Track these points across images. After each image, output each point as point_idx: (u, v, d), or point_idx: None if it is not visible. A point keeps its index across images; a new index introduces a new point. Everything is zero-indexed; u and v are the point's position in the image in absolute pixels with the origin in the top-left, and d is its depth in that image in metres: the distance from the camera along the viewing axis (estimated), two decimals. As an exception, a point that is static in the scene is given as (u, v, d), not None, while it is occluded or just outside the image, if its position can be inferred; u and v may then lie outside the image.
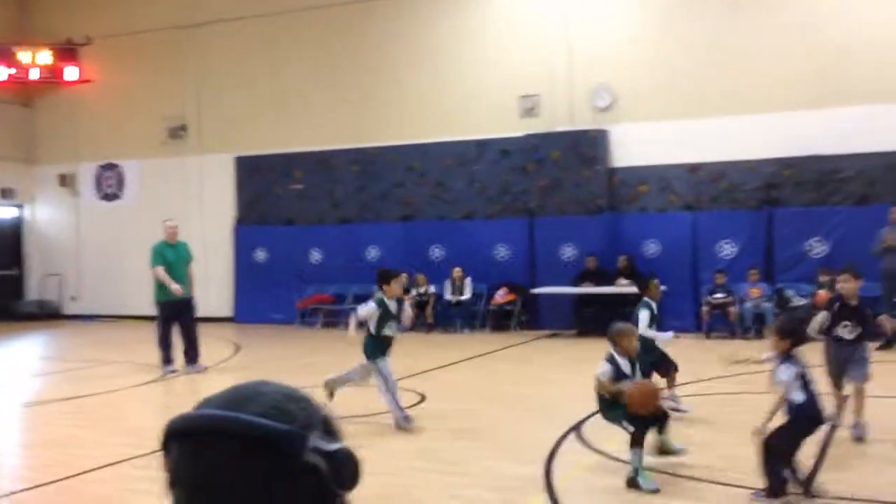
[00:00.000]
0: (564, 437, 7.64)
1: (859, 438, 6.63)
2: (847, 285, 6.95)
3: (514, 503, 5.86)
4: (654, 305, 8.37)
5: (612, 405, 6.20)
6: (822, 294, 13.17)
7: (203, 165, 19.50)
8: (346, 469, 1.13)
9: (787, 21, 14.65)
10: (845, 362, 6.96)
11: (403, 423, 8.07)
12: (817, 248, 14.11)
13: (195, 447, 1.11)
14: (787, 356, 5.69)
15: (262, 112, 18.81)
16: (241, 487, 1.09)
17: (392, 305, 8.28)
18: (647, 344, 7.96)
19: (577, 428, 7.91)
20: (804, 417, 5.61)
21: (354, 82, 18.04)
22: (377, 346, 8.21)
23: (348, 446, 1.15)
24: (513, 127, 16.66)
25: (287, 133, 18.54)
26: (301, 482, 1.09)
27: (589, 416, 8.30)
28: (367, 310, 8.24)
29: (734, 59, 15.00)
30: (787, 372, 5.63)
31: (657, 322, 8.35)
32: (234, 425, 1.10)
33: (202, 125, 19.54)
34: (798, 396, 5.59)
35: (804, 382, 5.63)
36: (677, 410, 7.98)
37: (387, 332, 8.25)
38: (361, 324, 8.36)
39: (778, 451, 5.58)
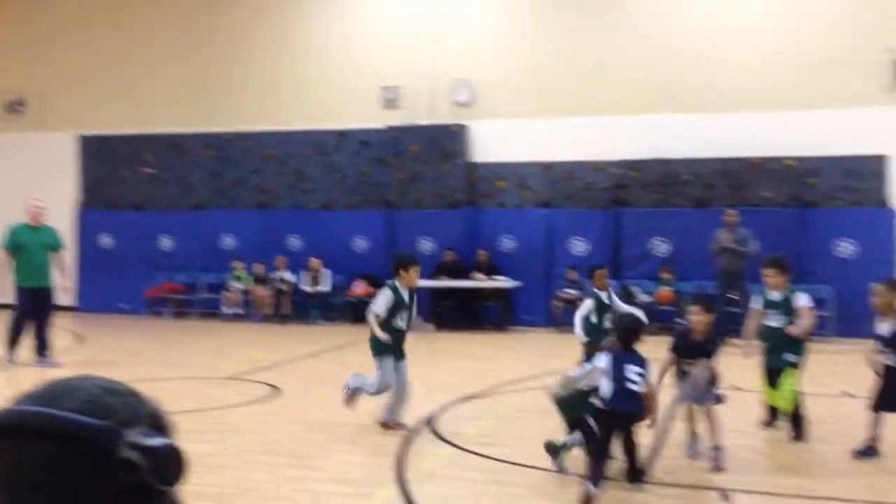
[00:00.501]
0: (418, 428, 7.70)
1: (717, 467, 6.32)
2: (696, 318, 6.67)
3: (366, 496, 5.86)
4: (601, 295, 8.43)
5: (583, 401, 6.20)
6: (664, 291, 13.92)
7: (44, 144, 18.36)
8: (168, 465, 1.11)
9: (639, 30, 15.34)
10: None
11: (391, 424, 7.56)
12: (660, 247, 14.87)
13: (6, 443, 1.09)
14: (622, 351, 6.02)
15: (111, 90, 17.91)
16: (51, 484, 1.07)
17: (405, 294, 7.55)
18: (593, 337, 8.08)
19: (430, 420, 8.00)
20: (605, 411, 5.89)
21: (212, 64, 17.49)
22: (385, 341, 7.45)
23: (173, 442, 1.13)
24: (374, 118, 16.63)
25: (138, 114, 17.74)
26: (116, 479, 1.07)
27: (443, 409, 8.45)
28: (382, 300, 7.47)
29: (589, 63, 15.56)
30: (602, 360, 6.02)
31: (605, 313, 8.30)
32: (43, 421, 1.08)
33: (44, 101, 18.39)
34: (604, 387, 5.88)
35: (617, 377, 5.86)
36: None
37: (398, 323, 7.51)
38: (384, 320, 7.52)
39: (593, 438, 5.89)
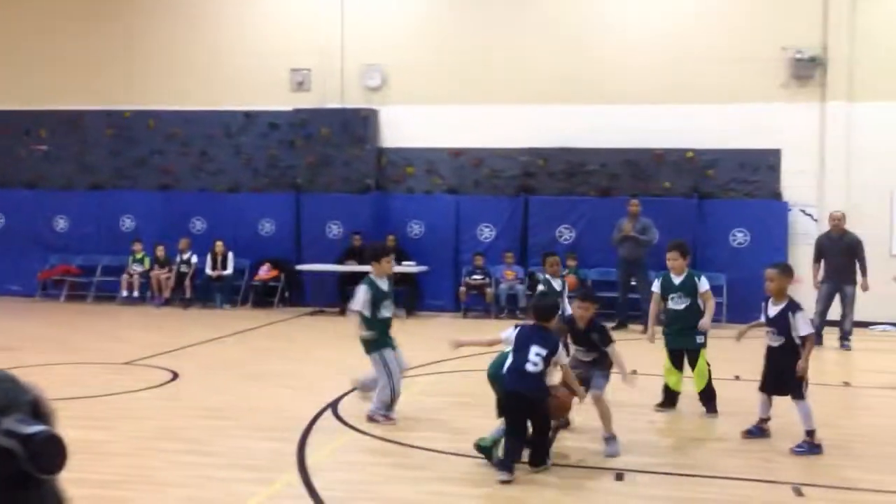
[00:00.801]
0: (321, 414, 7.65)
1: (611, 453, 6.43)
2: (579, 312, 6.78)
3: (266, 481, 5.77)
4: (553, 282, 8.47)
5: None
6: (569, 278, 14.16)
7: (-71, 117, 17.36)
8: (46, 452, 1.07)
9: (550, 20, 15.50)
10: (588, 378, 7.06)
11: (378, 418, 7.37)
12: (566, 234, 15.13)
13: None
14: (531, 328, 6.10)
15: (2, 63, 17.07)
16: None
17: (384, 284, 7.62)
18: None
19: (334, 405, 7.95)
20: (503, 390, 6.02)
21: (113, 38, 16.83)
22: (371, 337, 7.45)
23: (52, 429, 1.08)
24: (282, 100, 16.36)
25: (31, 88, 16.95)
26: None
27: (346, 393, 8.40)
28: (360, 297, 7.47)
29: (500, 52, 15.66)
30: (508, 332, 6.12)
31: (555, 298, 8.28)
32: None
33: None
34: (506, 364, 6.01)
35: (516, 354, 5.94)
36: None
37: (384, 313, 7.53)
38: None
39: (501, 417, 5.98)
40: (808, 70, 14.49)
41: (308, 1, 16.41)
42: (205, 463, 6.16)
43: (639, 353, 8.33)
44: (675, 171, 14.98)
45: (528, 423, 6.00)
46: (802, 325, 6.70)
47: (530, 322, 6.28)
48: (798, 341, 6.72)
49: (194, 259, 15.83)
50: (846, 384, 9.57)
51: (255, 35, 16.60)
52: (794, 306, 6.76)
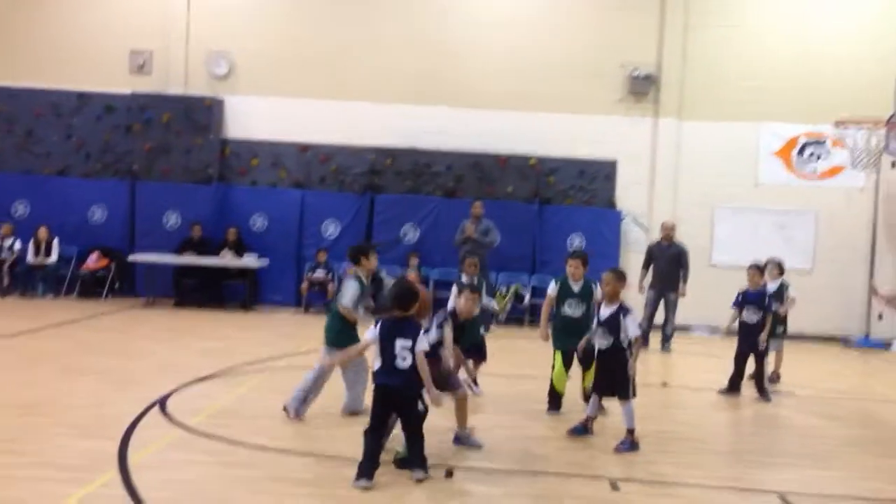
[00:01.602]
0: (147, 411, 7.32)
1: (473, 444, 6.66)
2: (469, 304, 6.99)
3: (81, 482, 5.45)
4: (463, 278, 8.68)
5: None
6: (411, 276, 14.25)
7: None
8: None
9: (402, 20, 15.58)
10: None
11: (292, 413, 7.27)
12: (410, 233, 15.23)
13: None
14: (393, 319, 5.92)
15: None
16: None
17: (367, 281, 7.51)
18: (475, 322, 8.07)
19: (161, 401, 7.63)
20: (377, 386, 5.88)
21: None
22: (347, 330, 7.33)
23: None
24: (120, 83, 15.63)
25: None
26: None
27: (176, 389, 8.10)
28: (351, 292, 7.33)
29: (352, 48, 15.58)
30: (370, 332, 5.93)
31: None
32: None
33: None
34: (376, 363, 5.87)
35: (384, 351, 5.78)
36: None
37: (360, 310, 7.42)
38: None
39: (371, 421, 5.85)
40: (643, 87, 15.28)
41: (151, -20, 15.73)
42: (15, 462, 5.75)
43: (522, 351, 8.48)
44: (518, 177, 15.39)
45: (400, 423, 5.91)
46: (632, 327, 7.04)
47: (391, 315, 6.01)
48: (626, 343, 7.05)
49: (17, 245, 14.80)
50: (665, 384, 10.14)
51: (92, 11, 15.78)
52: (625, 309, 7.09)
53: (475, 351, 8.48)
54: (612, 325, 7.07)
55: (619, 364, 7.02)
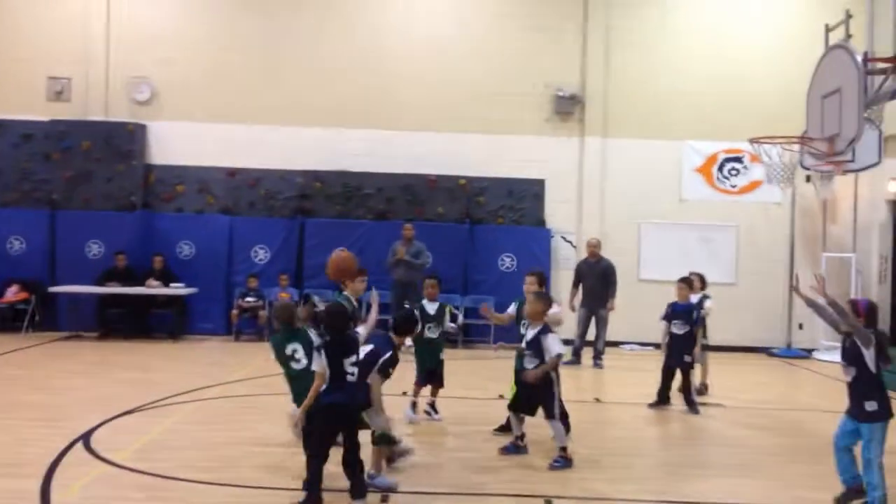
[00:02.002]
0: (71, 447, 7.08)
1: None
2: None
3: (0, 524, 5.24)
4: (427, 306, 8.64)
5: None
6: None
7: None
8: None
9: (329, 43, 15.56)
10: None
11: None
12: (342, 257, 15.12)
13: None
14: (332, 340, 5.79)
15: None
16: None
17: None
18: (437, 346, 8.18)
19: (85, 437, 7.40)
20: (324, 405, 5.66)
21: None
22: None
23: None
24: (38, 110, 15.28)
25: None
26: None
27: (101, 424, 7.86)
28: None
29: (278, 71, 15.51)
30: (317, 362, 5.74)
31: (428, 322, 8.53)
32: None
33: None
34: (323, 385, 5.70)
35: (333, 369, 5.65)
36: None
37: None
38: None
39: (310, 443, 5.73)
40: (569, 107, 15.56)
41: (70, 5, 15.40)
42: (-74, 508, 5.50)
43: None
44: (448, 198, 15.47)
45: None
46: (554, 346, 7.07)
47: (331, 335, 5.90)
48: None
49: (-71, 280, 14.24)
50: (597, 400, 10.26)
51: (8, 37, 15.40)
52: (545, 329, 7.15)
53: (433, 376, 8.53)
54: (536, 346, 7.12)
55: (543, 383, 7.06)
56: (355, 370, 5.77)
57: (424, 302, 8.73)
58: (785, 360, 14.61)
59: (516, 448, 7.31)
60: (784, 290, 15.26)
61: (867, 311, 6.03)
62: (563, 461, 6.95)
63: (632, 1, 15.71)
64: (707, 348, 10.51)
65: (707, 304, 10.38)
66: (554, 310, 7.52)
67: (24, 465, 6.48)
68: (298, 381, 6.36)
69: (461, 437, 7.97)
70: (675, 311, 9.67)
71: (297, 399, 6.32)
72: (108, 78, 15.44)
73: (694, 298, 10.18)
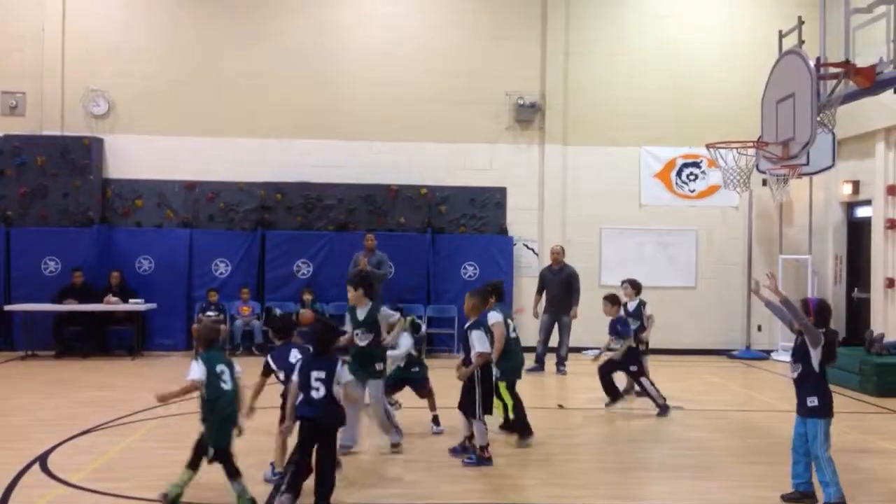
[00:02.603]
0: (27, 468, 6.95)
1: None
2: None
3: (-48, 551, 5.12)
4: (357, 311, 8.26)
5: None
6: (306, 313, 14.09)
7: None
8: None
9: (287, 54, 15.49)
10: None
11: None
12: (303, 269, 15.05)
13: None
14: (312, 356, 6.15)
15: None
16: None
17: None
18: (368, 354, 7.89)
19: (42, 458, 7.26)
20: (298, 418, 5.94)
21: None
22: (359, 360, 7.50)
23: None
24: (-9, 124, 14.98)
25: None
26: None
27: (59, 444, 7.73)
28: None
29: (236, 83, 15.41)
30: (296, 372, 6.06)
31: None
32: None
33: None
34: (298, 396, 5.93)
35: (302, 384, 5.88)
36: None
37: (358, 342, 7.61)
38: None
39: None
40: (529, 115, 15.66)
41: (24, 20, 15.18)
42: None
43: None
44: (409, 207, 15.47)
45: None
46: (477, 342, 7.21)
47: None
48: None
49: None
50: (560, 406, 10.30)
51: (-42, 53, 15.09)
52: (474, 325, 7.32)
53: (421, 385, 8.58)
54: (467, 344, 7.31)
55: (469, 381, 7.23)
56: (321, 385, 5.87)
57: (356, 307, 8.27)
58: (744, 362, 14.80)
59: (464, 448, 7.46)
60: (743, 292, 15.48)
61: (817, 311, 6.20)
62: (477, 459, 7.11)
63: (590, 12, 15.87)
64: (645, 353, 10.54)
65: (647, 310, 10.51)
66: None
67: (-21, 489, 6.34)
68: (214, 403, 6.08)
69: (432, 445, 7.95)
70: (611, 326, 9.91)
71: (207, 422, 6.10)
72: (64, 92, 15.24)
73: (632, 305, 10.36)
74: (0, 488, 6.34)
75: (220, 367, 6.12)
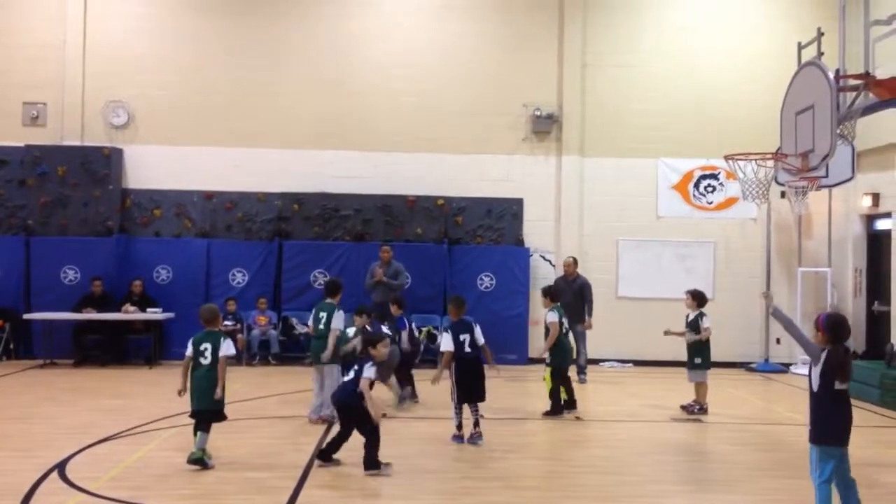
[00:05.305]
0: (45, 477, 6.98)
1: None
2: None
3: (-28, 558, 5.15)
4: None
5: None
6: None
7: None
8: None
9: (306, 65, 15.57)
10: None
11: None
12: (320, 279, 15.09)
13: None
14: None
15: None
16: None
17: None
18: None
19: (61, 466, 7.30)
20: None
21: None
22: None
23: None
24: (13, 135, 15.17)
25: None
26: None
27: (77, 453, 7.77)
28: (341, 321, 9.39)
29: (255, 94, 15.51)
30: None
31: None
32: None
33: None
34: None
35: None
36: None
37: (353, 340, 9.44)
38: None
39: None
40: (546, 126, 15.66)
41: (46, 32, 15.36)
42: None
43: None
44: (426, 218, 15.48)
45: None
46: (443, 342, 8.41)
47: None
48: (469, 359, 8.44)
49: None
50: (578, 419, 10.24)
51: (-17, 64, 15.29)
52: (447, 327, 8.44)
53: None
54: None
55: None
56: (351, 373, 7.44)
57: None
58: (763, 375, 14.69)
59: (460, 438, 8.38)
60: (761, 304, 15.36)
61: (827, 326, 5.67)
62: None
63: (607, 23, 15.87)
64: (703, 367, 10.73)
65: (705, 322, 10.56)
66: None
67: (2, 494, 6.38)
68: (199, 378, 7.41)
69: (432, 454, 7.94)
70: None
71: (195, 392, 7.41)
72: (84, 102, 15.39)
73: (691, 315, 10.63)
74: (19, 495, 6.37)
75: (203, 346, 7.37)
